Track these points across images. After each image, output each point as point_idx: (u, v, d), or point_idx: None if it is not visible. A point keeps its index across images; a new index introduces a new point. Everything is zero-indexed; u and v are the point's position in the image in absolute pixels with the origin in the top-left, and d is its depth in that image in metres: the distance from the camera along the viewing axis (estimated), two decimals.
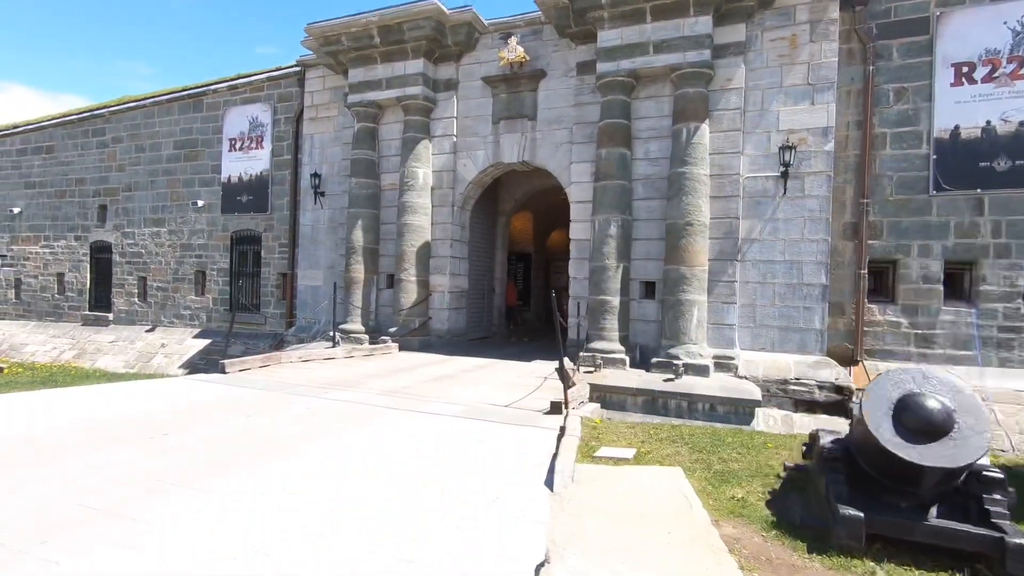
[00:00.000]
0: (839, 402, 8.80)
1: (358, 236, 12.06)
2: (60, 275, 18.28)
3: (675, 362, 9.13)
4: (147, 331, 16.31)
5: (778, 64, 9.52)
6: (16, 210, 18.89)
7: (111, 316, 17.14)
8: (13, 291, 19.27)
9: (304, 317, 13.46)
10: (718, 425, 8.22)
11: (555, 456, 4.49)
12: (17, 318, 19.08)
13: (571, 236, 10.82)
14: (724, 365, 9.45)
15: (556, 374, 9.09)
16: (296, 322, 13.80)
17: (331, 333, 10.93)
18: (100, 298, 17.60)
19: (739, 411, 8.33)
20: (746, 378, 9.38)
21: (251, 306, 15.06)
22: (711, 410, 8.41)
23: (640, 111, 10.22)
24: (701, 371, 9.11)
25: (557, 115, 11.06)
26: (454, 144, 11.88)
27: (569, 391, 6.77)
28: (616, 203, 9.96)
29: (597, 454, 5.09)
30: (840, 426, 9.08)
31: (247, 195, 14.98)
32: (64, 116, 18.15)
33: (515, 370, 9.41)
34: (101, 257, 17.55)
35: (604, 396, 8.55)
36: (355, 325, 11.98)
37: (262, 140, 14.79)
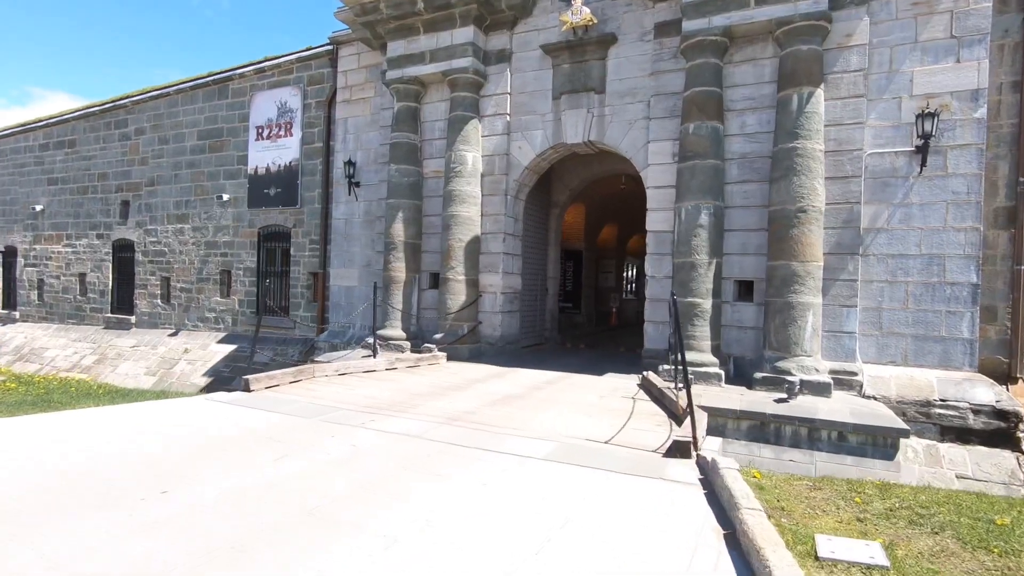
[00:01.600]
0: (1002, 431, 7.03)
1: (398, 230, 10.66)
2: (82, 275, 17.37)
3: (787, 378, 7.47)
4: (170, 335, 15.21)
5: (911, 15, 7.78)
6: (39, 207, 18.08)
7: (133, 319, 16.11)
8: (36, 292, 18.47)
9: (337, 321, 12.13)
10: (849, 460, 6.62)
11: (732, 545, 2.94)
12: (40, 320, 18.27)
13: (648, 228, 9.22)
14: (843, 382, 7.76)
15: (644, 393, 7.53)
16: (328, 327, 12.49)
17: (369, 339, 9.52)
18: (122, 299, 16.61)
19: (877, 442, 6.64)
20: (874, 398, 7.68)
21: (279, 309, 13.81)
22: (839, 440, 6.74)
23: (734, 78, 8.57)
24: (820, 389, 7.44)
25: (630, 87, 9.48)
26: (507, 124, 10.39)
27: (685, 419, 5.22)
28: (707, 187, 8.34)
29: (822, 554, 3.30)
30: (1005, 461, 7.34)
31: (275, 187, 13.74)
32: (86, 108, 17.24)
33: (590, 387, 7.86)
34: (123, 256, 16.57)
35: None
36: (395, 331, 10.58)
37: (291, 127, 13.54)
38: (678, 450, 4.58)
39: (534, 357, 10.60)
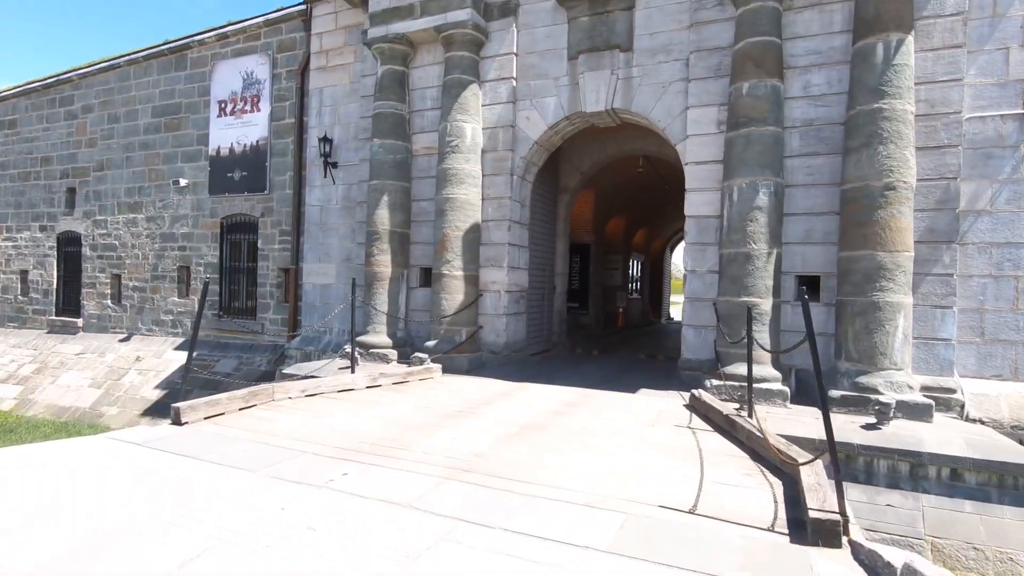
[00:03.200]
0: None
1: (382, 217, 8.94)
2: (24, 273, 15.37)
3: (875, 398, 5.93)
4: (121, 340, 13.31)
5: None
6: None
7: (80, 322, 14.17)
8: None
9: (311, 326, 10.37)
10: (968, 506, 5.14)
11: None
12: None
13: (688, 212, 7.61)
14: (939, 401, 6.22)
15: (701, 420, 5.91)
16: (301, 332, 10.73)
17: (348, 349, 7.78)
18: (68, 300, 14.65)
19: (1005, 483, 5.13)
20: (980, 421, 6.17)
21: (246, 310, 12.01)
22: (951, 479, 5.23)
23: (795, 27, 7.01)
24: (917, 412, 5.90)
25: (664, 42, 7.86)
26: (513, 90, 8.71)
27: (792, 468, 3.62)
28: (766, 160, 6.76)
29: None
30: None
31: (240, 171, 11.93)
32: (27, 84, 15.23)
33: (626, 409, 6.22)
34: (69, 251, 14.61)
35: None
36: (378, 337, 8.86)
37: (259, 101, 11.74)
38: (821, 534, 2.96)
39: (544, 368, 8.95)
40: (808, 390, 6.89)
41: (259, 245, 11.84)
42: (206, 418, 5.18)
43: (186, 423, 4.99)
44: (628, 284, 17.86)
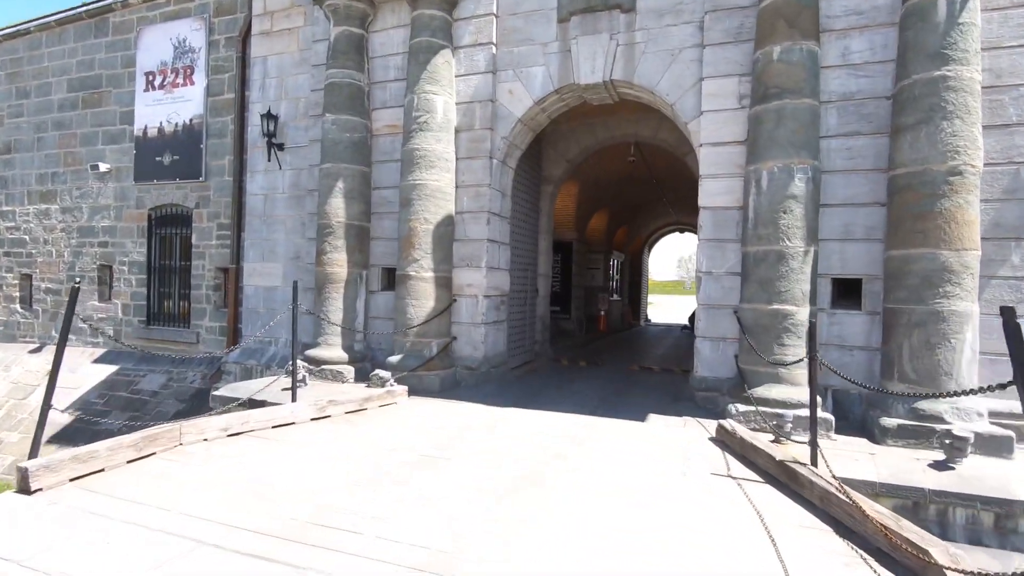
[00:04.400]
0: None
1: (336, 207, 7.49)
2: None
3: (941, 428, 4.86)
4: (32, 351, 11.43)
5: None
6: None
7: None
8: None
9: (253, 335, 8.82)
10: None
11: None
12: None
13: (702, 203, 6.42)
14: (1019, 432, 5.17)
15: (741, 463, 4.68)
16: (241, 342, 9.15)
17: (292, 366, 6.29)
18: None
19: None
20: None
21: (178, 316, 10.33)
22: None
23: None
24: (995, 446, 4.85)
25: (673, 2, 6.65)
26: (492, 58, 7.38)
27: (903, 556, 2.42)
28: (802, 139, 5.61)
29: None
30: None
31: (171, 154, 10.25)
32: None
33: (642, 449, 4.96)
34: None
35: None
36: (332, 350, 7.41)
37: (193, 73, 10.08)
38: None
39: (529, 386, 7.64)
40: (846, 414, 5.79)
41: (193, 241, 10.18)
42: (73, 480, 3.69)
43: (38, 490, 3.49)
44: (610, 285, 16.73)
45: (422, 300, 7.10)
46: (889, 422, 5.17)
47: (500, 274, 7.83)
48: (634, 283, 21.66)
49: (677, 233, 23.66)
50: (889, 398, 5.35)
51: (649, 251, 24.32)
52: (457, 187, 7.44)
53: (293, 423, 5.24)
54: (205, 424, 4.70)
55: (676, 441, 5.15)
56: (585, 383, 7.95)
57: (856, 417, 5.82)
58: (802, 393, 5.48)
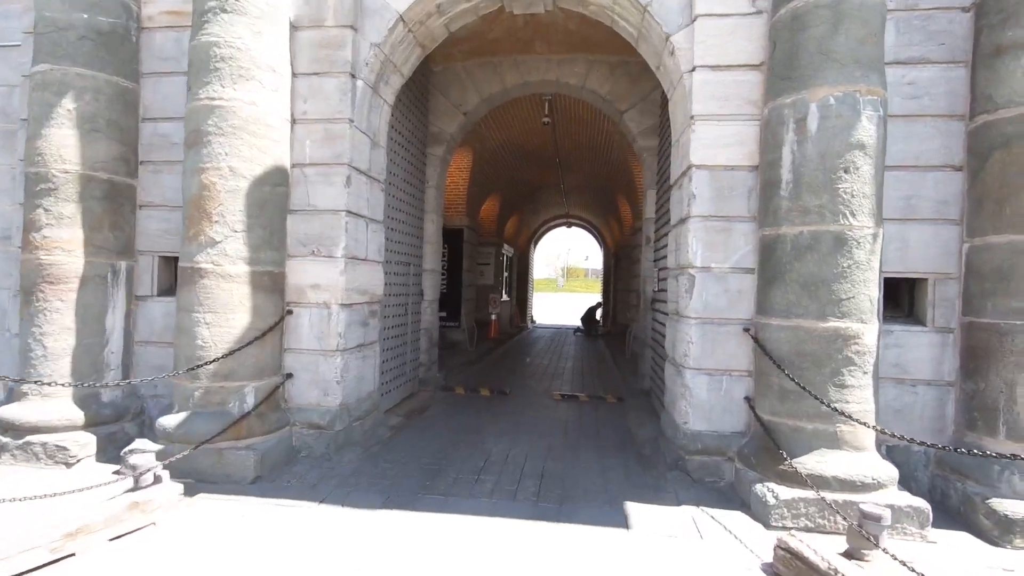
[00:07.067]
0: None
1: (63, 145, 4.10)
2: None
3: None
4: None
5: None
6: None
7: None
8: None
9: None
10: None
11: None
12: None
13: (694, 159, 4.09)
14: None
15: None
16: None
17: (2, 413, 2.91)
18: None
19: None
20: None
21: None
22: None
23: None
24: None
25: None
26: None
27: None
28: (871, 53, 3.49)
29: None
30: None
31: None
32: None
33: None
34: None
35: None
36: (49, 406, 4.02)
37: None
38: None
39: (417, 450, 4.82)
40: (906, 481, 3.83)
41: None
42: None
43: None
44: (500, 283, 14.30)
45: (227, 313, 3.99)
46: (1004, 509, 3.23)
47: (369, 269, 4.94)
48: (522, 281, 19.55)
49: (564, 228, 22.03)
50: (994, 464, 3.43)
51: (535, 246, 22.43)
52: (294, 121, 4.43)
53: None
54: None
55: None
56: (500, 435, 5.33)
57: (921, 485, 3.90)
58: (868, 463, 3.38)
